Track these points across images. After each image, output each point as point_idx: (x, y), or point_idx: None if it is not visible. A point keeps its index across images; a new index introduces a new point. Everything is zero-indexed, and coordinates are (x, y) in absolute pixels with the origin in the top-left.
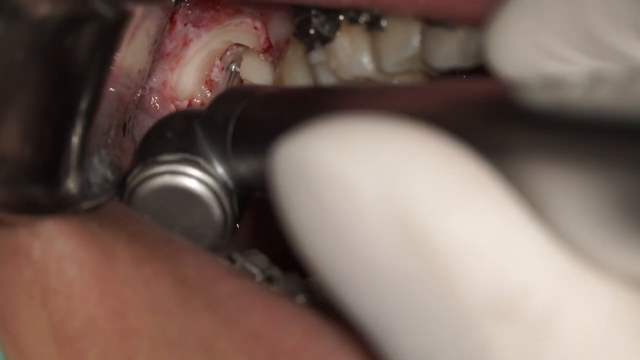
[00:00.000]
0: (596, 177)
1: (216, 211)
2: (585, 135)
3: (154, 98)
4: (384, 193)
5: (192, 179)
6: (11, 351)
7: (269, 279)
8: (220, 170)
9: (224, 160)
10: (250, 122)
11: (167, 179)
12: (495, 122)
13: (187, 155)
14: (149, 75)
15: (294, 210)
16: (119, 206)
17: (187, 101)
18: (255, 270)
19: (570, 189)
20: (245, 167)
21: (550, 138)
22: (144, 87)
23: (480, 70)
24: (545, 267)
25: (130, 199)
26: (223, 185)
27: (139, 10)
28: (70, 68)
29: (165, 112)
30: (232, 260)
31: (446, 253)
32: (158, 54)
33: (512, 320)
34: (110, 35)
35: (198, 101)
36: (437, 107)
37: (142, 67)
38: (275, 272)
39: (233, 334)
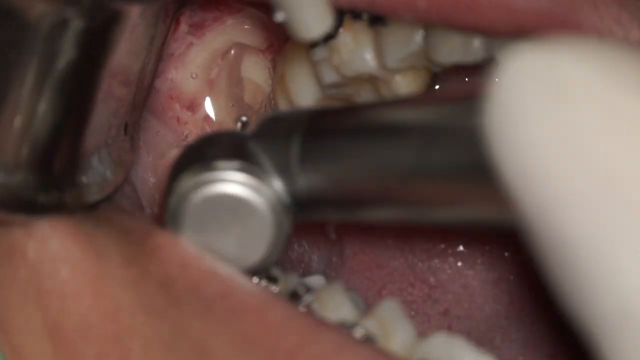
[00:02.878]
0: None
1: (271, 225)
2: None
3: (159, 98)
4: None
5: (250, 189)
6: (8, 351)
7: (269, 279)
8: (277, 184)
9: (283, 174)
10: (324, 136)
11: (225, 187)
12: None
13: (245, 164)
14: (156, 76)
15: (527, 123)
16: (110, 206)
17: (190, 101)
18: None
19: None
20: (317, 180)
21: None
22: (153, 88)
23: (483, 64)
24: None
25: (181, 203)
26: (280, 199)
27: (135, 10)
28: (64, 68)
29: (169, 113)
30: None
31: None
32: (165, 54)
33: None
34: (105, 35)
35: (202, 101)
36: None
37: (142, 67)
38: (276, 272)
39: (226, 334)
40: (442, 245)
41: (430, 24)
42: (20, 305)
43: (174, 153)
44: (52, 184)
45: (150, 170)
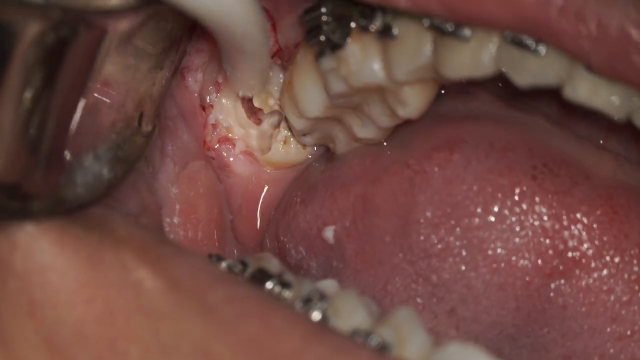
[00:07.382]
0: None
1: None
2: None
3: (188, 99)
4: None
5: None
6: None
7: (282, 284)
8: None
9: None
10: None
11: None
12: None
13: None
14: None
15: None
16: (104, 209)
17: (200, 101)
18: (271, 271)
19: None
20: None
21: None
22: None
23: (491, 79)
24: None
25: None
26: None
27: (122, 24)
28: (44, 78)
29: (199, 118)
30: (244, 265)
31: None
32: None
33: None
34: (86, 47)
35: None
36: None
37: (151, 65)
38: (289, 277)
39: (229, 339)
40: (440, 246)
41: (434, 16)
42: (13, 316)
43: (195, 166)
44: (29, 189)
45: (172, 180)
